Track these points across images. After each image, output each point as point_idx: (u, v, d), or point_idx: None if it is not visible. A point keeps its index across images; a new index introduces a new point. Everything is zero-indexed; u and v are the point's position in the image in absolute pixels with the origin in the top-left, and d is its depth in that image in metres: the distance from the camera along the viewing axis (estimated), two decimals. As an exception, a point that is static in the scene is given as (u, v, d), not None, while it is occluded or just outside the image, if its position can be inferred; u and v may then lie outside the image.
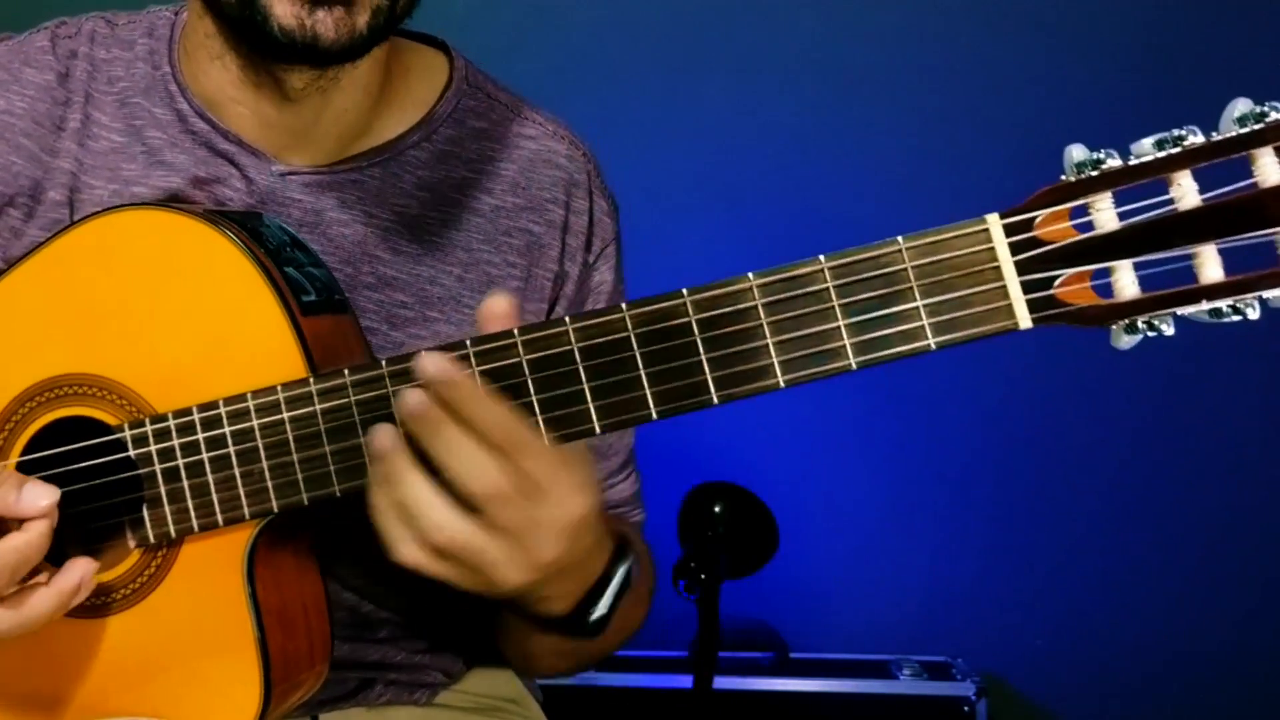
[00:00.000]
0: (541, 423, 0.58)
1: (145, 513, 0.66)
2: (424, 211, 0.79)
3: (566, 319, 0.58)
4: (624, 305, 0.57)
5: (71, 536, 0.72)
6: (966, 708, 1.55)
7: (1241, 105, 0.50)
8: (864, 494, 1.77)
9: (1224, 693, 1.76)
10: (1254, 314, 0.50)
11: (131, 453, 0.66)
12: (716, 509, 1.36)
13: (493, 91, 0.84)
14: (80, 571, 0.64)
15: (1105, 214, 0.51)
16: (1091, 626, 1.78)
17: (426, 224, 0.79)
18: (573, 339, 0.57)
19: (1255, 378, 1.74)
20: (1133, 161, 0.51)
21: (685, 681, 1.45)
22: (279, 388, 0.63)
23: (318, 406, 0.63)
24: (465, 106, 0.82)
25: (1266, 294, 0.50)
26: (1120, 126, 0.56)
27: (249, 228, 0.69)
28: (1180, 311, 0.51)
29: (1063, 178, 0.52)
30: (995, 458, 1.77)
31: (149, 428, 0.66)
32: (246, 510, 0.64)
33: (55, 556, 0.70)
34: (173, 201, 0.76)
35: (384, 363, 0.61)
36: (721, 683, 1.56)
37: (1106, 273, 0.52)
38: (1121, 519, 1.79)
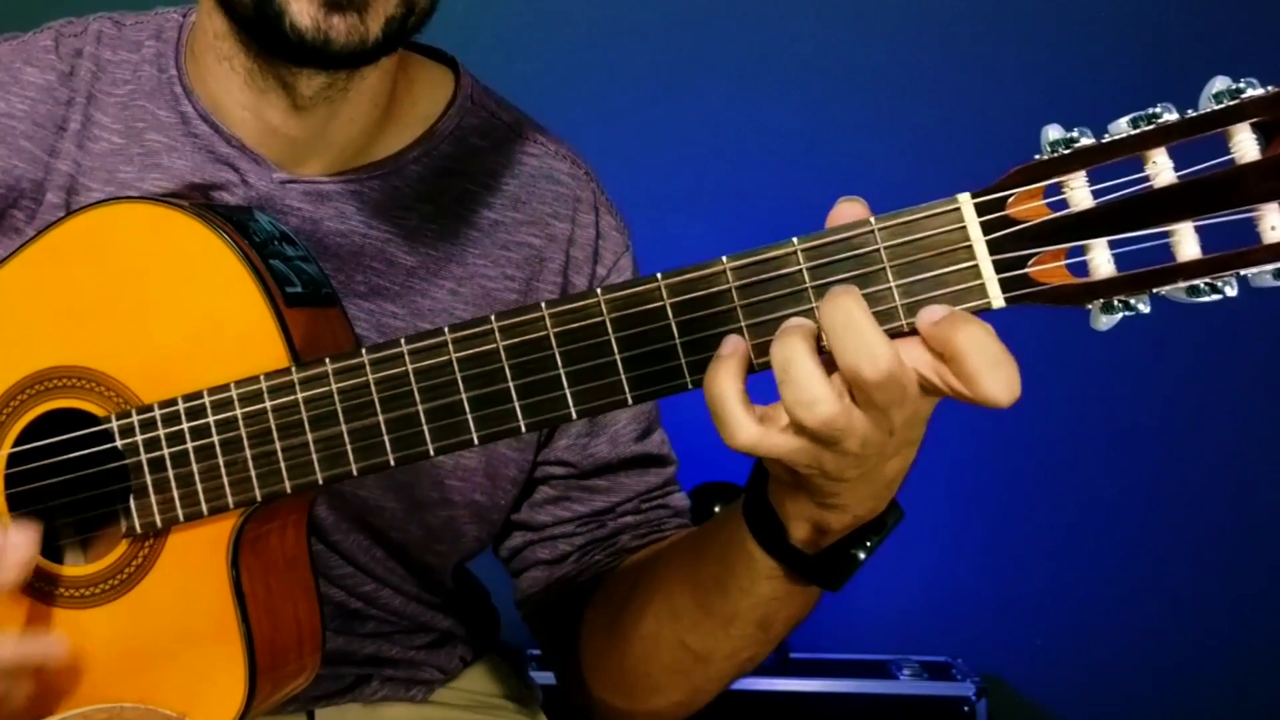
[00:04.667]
0: (519, 409, 0.58)
1: (132, 502, 0.67)
2: (421, 224, 0.79)
3: (542, 305, 0.58)
4: (599, 290, 0.57)
5: (61, 527, 0.73)
6: (966, 708, 1.54)
7: (1219, 82, 0.50)
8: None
9: (1224, 692, 1.74)
10: (1232, 291, 0.50)
11: (118, 443, 0.67)
12: (716, 509, 1.35)
13: (496, 110, 0.84)
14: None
15: (1079, 192, 0.51)
16: (1091, 626, 1.77)
17: (423, 237, 0.79)
18: (548, 325, 0.57)
19: (1255, 377, 1.73)
20: (1106, 139, 0.50)
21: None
22: (262, 377, 0.64)
23: (300, 395, 0.63)
24: (468, 125, 0.82)
25: (1244, 271, 0.49)
26: (1108, 109, 0.55)
27: (236, 221, 0.69)
28: (1157, 290, 0.50)
29: (1036, 157, 0.52)
30: (995, 457, 1.76)
31: (135, 418, 0.67)
32: (230, 499, 0.65)
33: (48, 549, 0.71)
34: (161, 195, 0.77)
35: (364, 350, 0.62)
36: (722, 683, 1.55)
37: (1081, 251, 0.51)
38: (1121, 518, 1.78)
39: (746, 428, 0.53)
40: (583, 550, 0.83)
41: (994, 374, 0.50)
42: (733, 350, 0.54)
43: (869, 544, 0.61)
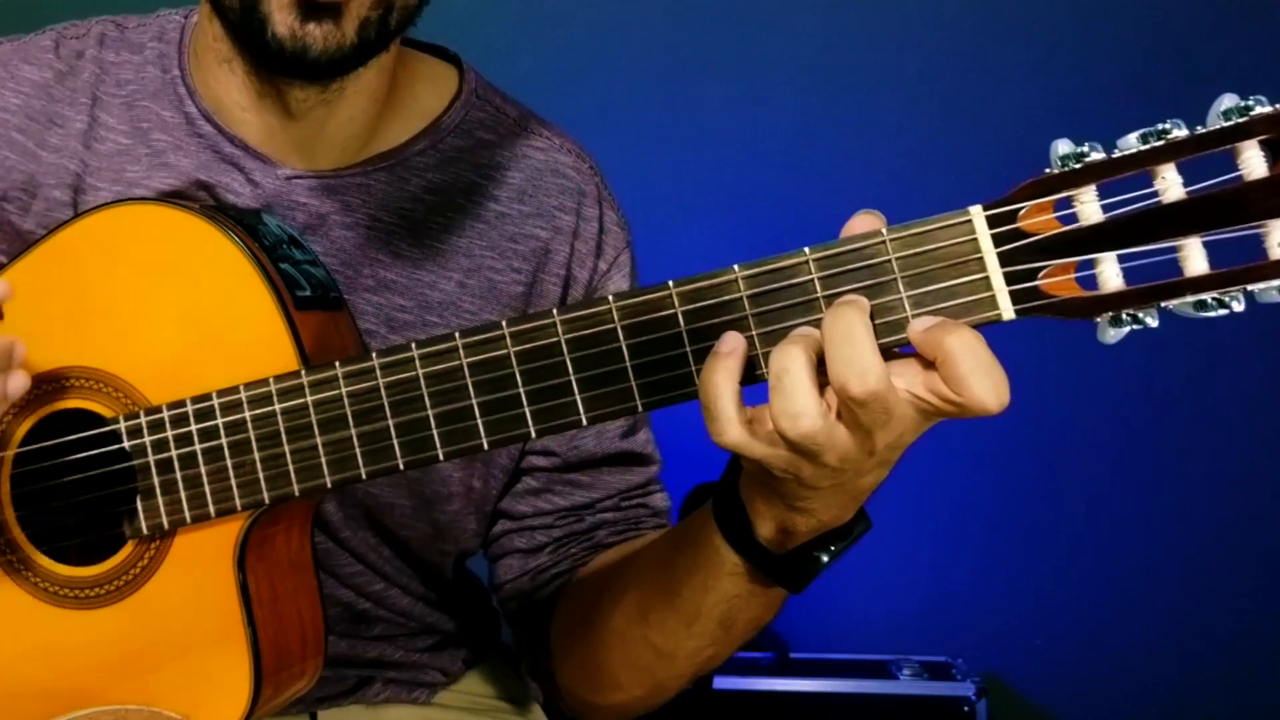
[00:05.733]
0: (529, 415, 0.59)
1: (139, 504, 0.67)
2: (429, 216, 0.80)
3: (554, 311, 0.58)
4: (611, 297, 0.57)
5: (67, 528, 0.73)
6: (966, 708, 1.55)
7: (1228, 100, 0.50)
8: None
9: (1224, 693, 1.75)
10: (1239, 306, 0.50)
11: (126, 444, 0.67)
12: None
13: (501, 105, 0.84)
14: None
15: (1089, 206, 0.51)
16: (1091, 626, 1.78)
17: (430, 229, 0.79)
18: (560, 331, 0.58)
19: (1255, 378, 1.74)
20: (1116, 154, 0.51)
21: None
22: (271, 380, 0.64)
23: (309, 398, 0.63)
24: (473, 118, 0.82)
25: (1251, 286, 0.50)
26: (1117, 124, 0.56)
27: (245, 224, 0.70)
28: (1165, 304, 0.51)
29: (1047, 170, 0.52)
30: (995, 458, 1.77)
31: (143, 419, 0.67)
32: (238, 501, 0.65)
33: (54, 550, 0.71)
34: (171, 198, 0.77)
35: (374, 354, 0.62)
36: (721, 682, 1.57)
37: (1091, 265, 0.52)
38: (1121, 519, 1.79)
39: (734, 427, 0.54)
40: (559, 543, 0.84)
41: (984, 378, 0.50)
42: (731, 349, 0.54)
43: (833, 548, 0.62)
